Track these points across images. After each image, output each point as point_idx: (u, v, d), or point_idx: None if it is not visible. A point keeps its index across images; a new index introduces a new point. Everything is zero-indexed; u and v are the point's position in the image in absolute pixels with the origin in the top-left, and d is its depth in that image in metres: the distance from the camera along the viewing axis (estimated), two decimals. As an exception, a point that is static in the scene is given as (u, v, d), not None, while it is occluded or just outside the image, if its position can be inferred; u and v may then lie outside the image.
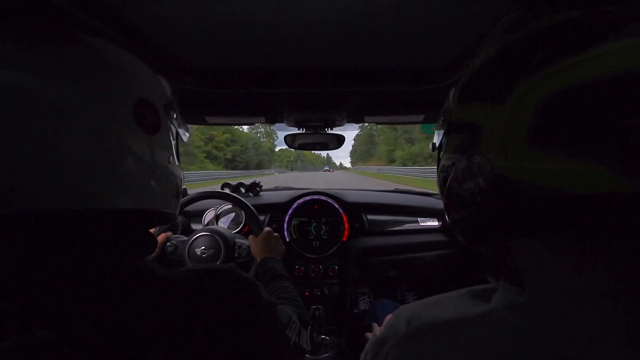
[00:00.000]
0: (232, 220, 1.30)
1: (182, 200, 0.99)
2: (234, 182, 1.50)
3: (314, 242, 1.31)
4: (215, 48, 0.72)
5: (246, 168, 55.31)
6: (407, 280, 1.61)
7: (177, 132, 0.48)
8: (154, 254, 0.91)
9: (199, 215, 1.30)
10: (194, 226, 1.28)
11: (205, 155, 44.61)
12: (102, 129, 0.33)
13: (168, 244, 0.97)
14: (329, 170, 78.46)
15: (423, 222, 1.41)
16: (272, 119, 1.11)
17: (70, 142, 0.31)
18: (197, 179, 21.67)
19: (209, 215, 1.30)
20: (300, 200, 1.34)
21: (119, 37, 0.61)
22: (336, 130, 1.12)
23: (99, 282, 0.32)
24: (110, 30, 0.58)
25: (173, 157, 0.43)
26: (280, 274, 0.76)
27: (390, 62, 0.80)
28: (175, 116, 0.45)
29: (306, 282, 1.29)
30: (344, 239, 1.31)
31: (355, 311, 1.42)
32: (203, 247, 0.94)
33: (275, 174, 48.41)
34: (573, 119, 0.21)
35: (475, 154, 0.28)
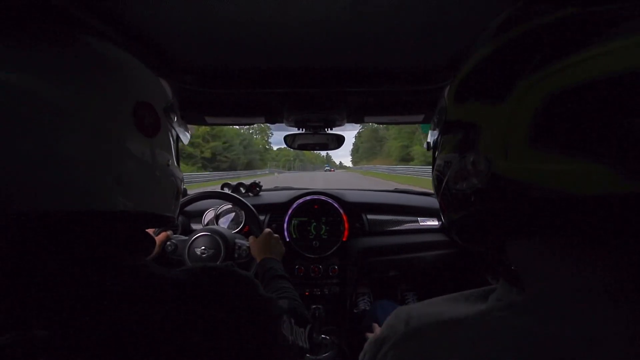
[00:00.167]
0: (232, 220, 1.30)
1: (182, 200, 0.99)
2: (233, 182, 1.50)
3: (314, 242, 1.31)
4: (215, 48, 0.72)
5: (232, 168, 47.23)
6: (407, 280, 1.62)
7: (177, 134, 0.48)
8: (153, 254, 0.91)
9: (199, 215, 1.30)
10: (194, 226, 1.28)
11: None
12: (102, 130, 0.33)
13: (168, 243, 0.97)
14: (330, 170, 75.17)
15: (423, 222, 1.41)
16: (272, 119, 1.11)
17: (70, 143, 0.31)
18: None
19: (209, 215, 1.30)
20: (300, 200, 1.34)
21: (119, 37, 0.61)
22: (336, 131, 1.12)
23: (98, 282, 0.32)
24: (110, 30, 0.59)
25: (173, 158, 0.43)
26: (280, 274, 0.76)
27: (390, 62, 0.80)
28: (175, 118, 0.45)
29: (306, 282, 1.29)
30: (344, 239, 1.31)
31: (355, 311, 1.42)
32: (203, 247, 0.94)
33: (276, 174, 47.87)
34: (574, 119, 0.21)
35: (473, 154, 0.28)
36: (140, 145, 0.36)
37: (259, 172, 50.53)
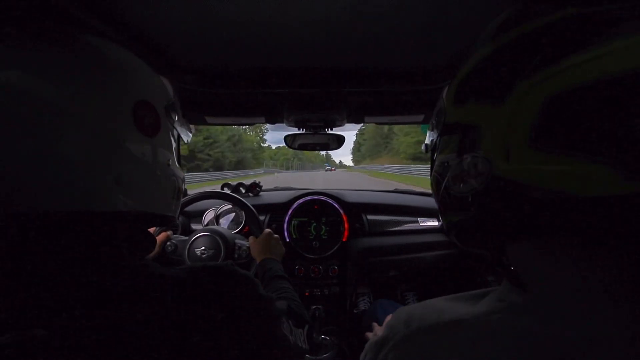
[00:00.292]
0: (232, 221, 1.30)
1: (182, 200, 0.99)
2: (233, 183, 1.49)
3: (314, 243, 1.31)
4: (216, 48, 0.72)
5: (218, 168, 39.39)
6: (407, 281, 1.62)
7: (179, 133, 0.48)
8: (153, 253, 0.91)
9: (199, 215, 1.30)
10: (194, 226, 1.28)
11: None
12: (102, 130, 0.33)
13: (168, 243, 0.97)
14: (331, 169, 72.46)
15: (423, 222, 1.41)
16: (272, 119, 1.11)
17: (70, 143, 0.31)
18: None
19: (209, 216, 1.30)
20: (300, 201, 1.34)
21: (120, 37, 0.61)
22: (336, 130, 1.12)
23: (98, 281, 0.32)
24: (110, 30, 0.59)
25: (173, 157, 0.43)
26: (280, 275, 0.76)
27: (390, 62, 0.80)
28: (176, 117, 0.45)
29: (306, 283, 1.29)
30: (344, 239, 1.31)
31: (355, 311, 1.42)
32: (203, 247, 0.94)
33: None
34: (574, 120, 0.21)
35: (473, 155, 0.28)
36: (141, 144, 0.36)
37: (251, 172, 42.55)
